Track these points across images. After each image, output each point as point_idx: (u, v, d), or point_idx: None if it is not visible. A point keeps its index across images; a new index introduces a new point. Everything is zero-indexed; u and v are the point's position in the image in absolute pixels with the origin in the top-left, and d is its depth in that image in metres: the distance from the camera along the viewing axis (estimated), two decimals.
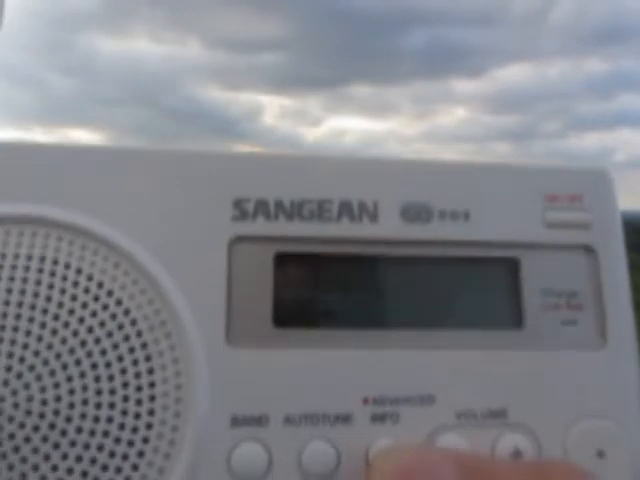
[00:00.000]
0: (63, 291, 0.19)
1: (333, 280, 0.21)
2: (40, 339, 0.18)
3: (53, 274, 0.19)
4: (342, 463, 0.19)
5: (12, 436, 0.17)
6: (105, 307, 0.19)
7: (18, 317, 0.18)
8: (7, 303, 0.18)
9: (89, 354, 0.18)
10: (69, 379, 0.18)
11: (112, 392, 0.18)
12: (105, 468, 0.18)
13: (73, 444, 0.18)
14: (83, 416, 0.18)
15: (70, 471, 0.18)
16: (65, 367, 0.18)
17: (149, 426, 0.18)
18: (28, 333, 0.18)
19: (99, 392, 0.18)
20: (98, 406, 0.18)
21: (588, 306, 0.21)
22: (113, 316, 0.19)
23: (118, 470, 0.18)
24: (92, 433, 0.18)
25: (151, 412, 0.18)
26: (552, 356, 0.21)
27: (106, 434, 0.18)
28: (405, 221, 0.21)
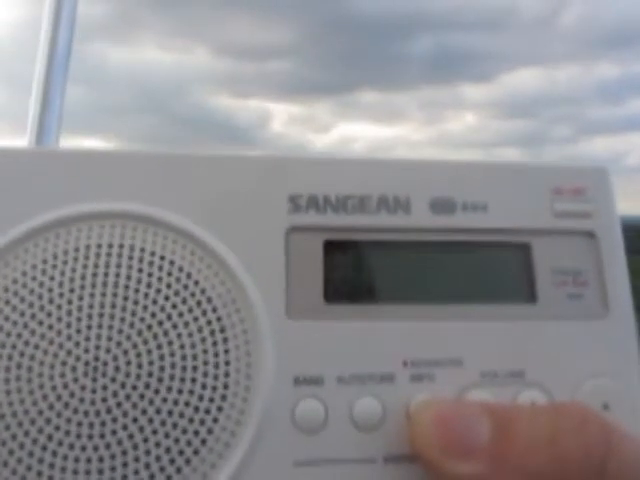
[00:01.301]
0: (150, 274, 0.22)
1: (373, 263, 0.24)
2: (134, 314, 0.22)
3: (141, 260, 0.22)
4: (387, 415, 0.22)
5: (115, 394, 0.21)
6: (185, 287, 0.22)
7: (115, 295, 0.22)
8: (105, 284, 0.22)
9: (174, 326, 0.22)
10: (159, 347, 0.22)
11: (194, 357, 0.22)
12: (191, 420, 0.21)
13: (165, 400, 0.21)
14: (172, 377, 0.21)
15: (163, 423, 0.21)
16: (155, 337, 0.22)
17: (225, 386, 0.22)
18: (124, 309, 0.22)
19: (184, 357, 0.22)
20: (183, 369, 0.21)
21: (592, 282, 0.25)
22: (192, 294, 0.22)
23: (202, 422, 0.21)
24: (180, 391, 0.21)
25: (227, 374, 0.22)
26: (562, 325, 0.24)
27: (191, 392, 0.21)
28: (433, 213, 0.25)
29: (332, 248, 0.24)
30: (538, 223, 0.25)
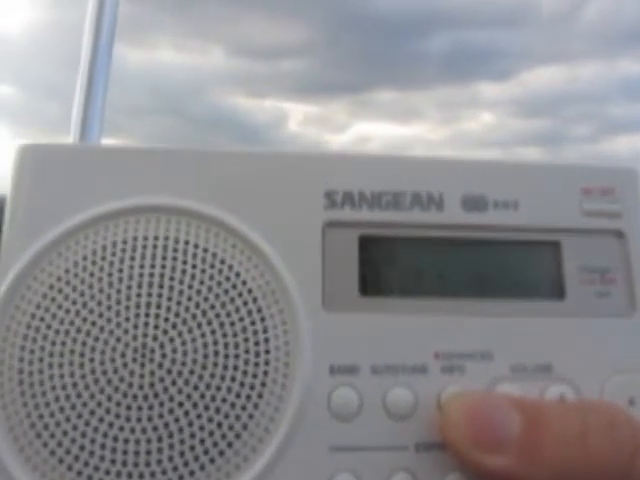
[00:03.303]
0: (194, 266, 0.23)
1: (406, 258, 0.25)
2: (179, 303, 0.23)
3: (185, 253, 0.23)
4: (419, 405, 0.23)
5: (162, 379, 0.22)
6: (227, 278, 0.23)
7: (161, 287, 0.23)
8: (152, 275, 0.23)
9: (217, 315, 0.23)
10: (202, 335, 0.23)
11: (236, 346, 0.23)
12: (233, 406, 0.22)
13: (208, 386, 0.22)
14: (215, 364, 0.22)
15: (207, 408, 0.22)
16: (199, 326, 0.23)
17: (265, 374, 0.23)
18: (169, 299, 0.23)
19: (226, 346, 0.23)
20: (226, 357, 0.23)
21: (619, 280, 0.26)
22: (234, 286, 0.23)
23: (243, 407, 0.22)
24: (222, 378, 0.22)
25: (267, 362, 0.23)
26: (590, 322, 0.25)
27: (233, 379, 0.22)
28: (465, 210, 0.25)
29: (367, 243, 0.25)
30: (567, 222, 0.26)
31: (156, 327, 0.22)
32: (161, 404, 0.22)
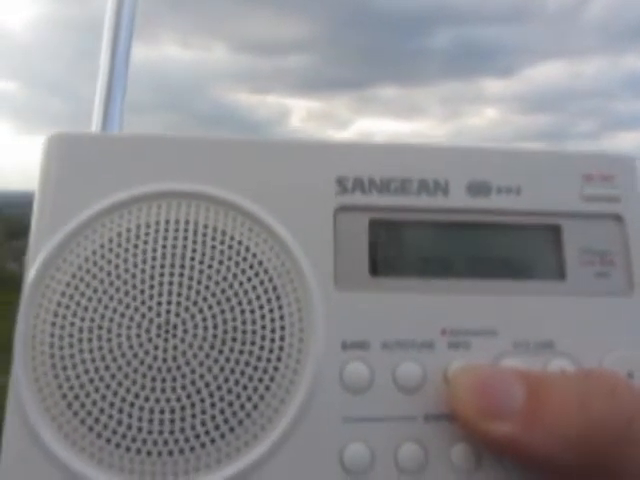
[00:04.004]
0: (213, 247, 0.25)
1: (414, 240, 0.27)
2: (199, 282, 0.24)
3: (205, 235, 0.25)
4: (427, 379, 0.24)
5: (184, 353, 0.23)
6: (245, 259, 0.25)
7: (182, 267, 0.24)
8: (174, 255, 0.24)
9: (236, 294, 0.24)
10: (222, 312, 0.24)
11: (253, 322, 0.24)
12: (251, 378, 0.24)
13: (228, 360, 0.23)
14: (234, 339, 0.24)
15: (227, 380, 0.23)
16: (219, 303, 0.24)
17: (281, 349, 0.24)
18: (190, 278, 0.24)
19: (244, 322, 0.24)
20: (244, 332, 0.24)
21: (618, 262, 0.27)
22: (251, 266, 0.25)
23: (260, 380, 0.24)
24: (241, 352, 0.24)
25: (282, 338, 0.24)
26: (589, 301, 0.26)
27: (251, 353, 0.24)
28: (470, 195, 0.27)
29: (376, 226, 0.26)
30: (568, 206, 0.27)
31: (178, 304, 0.24)
32: (183, 376, 0.23)
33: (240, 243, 0.25)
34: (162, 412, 0.23)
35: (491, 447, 0.23)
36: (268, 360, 0.24)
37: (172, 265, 0.24)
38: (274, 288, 0.25)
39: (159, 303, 0.24)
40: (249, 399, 0.23)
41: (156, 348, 0.23)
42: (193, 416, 0.23)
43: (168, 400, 0.23)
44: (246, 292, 0.24)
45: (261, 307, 0.24)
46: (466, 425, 0.23)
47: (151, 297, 0.24)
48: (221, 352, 0.24)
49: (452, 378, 0.24)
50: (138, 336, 0.23)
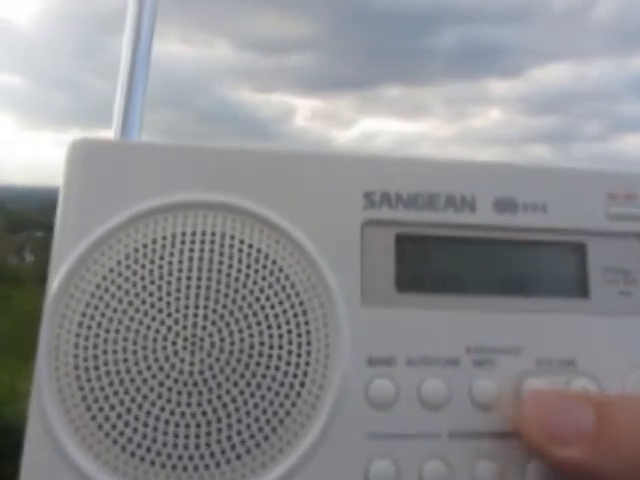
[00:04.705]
0: (240, 260, 0.24)
1: (440, 256, 0.26)
2: (226, 296, 0.24)
3: (232, 247, 0.25)
4: (452, 396, 0.24)
5: (211, 367, 0.23)
6: (271, 272, 0.25)
7: (209, 279, 0.24)
8: (200, 268, 0.24)
9: (262, 307, 0.24)
10: (248, 326, 0.24)
11: (280, 337, 0.24)
12: (277, 393, 0.23)
13: (254, 374, 0.23)
14: (260, 354, 0.24)
15: (252, 395, 0.23)
16: (246, 317, 0.24)
17: (307, 364, 0.24)
18: (217, 291, 0.24)
19: (271, 336, 0.24)
20: (271, 347, 0.24)
21: None
22: (277, 280, 0.25)
23: (286, 395, 0.23)
24: (267, 367, 0.24)
25: (308, 353, 0.24)
26: (612, 320, 0.26)
27: (277, 368, 0.24)
28: (496, 212, 0.27)
29: (403, 241, 0.26)
30: (594, 225, 0.27)
31: (205, 317, 0.24)
32: (210, 390, 0.23)
33: (267, 256, 0.25)
34: (187, 426, 0.23)
35: (559, 469, 0.23)
36: (294, 375, 0.24)
37: (199, 277, 0.24)
38: (301, 303, 0.24)
39: (185, 316, 0.24)
40: (275, 414, 0.23)
41: (182, 361, 0.23)
42: (219, 431, 0.23)
43: (194, 414, 0.23)
44: (273, 306, 0.24)
45: (287, 322, 0.24)
46: (532, 446, 0.23)
47: (177, 310, 0.24)
48: (247, 366, 0.23)
49: (522, 400, 0.24)
50: (164, 349, 0.23)
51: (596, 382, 0.25)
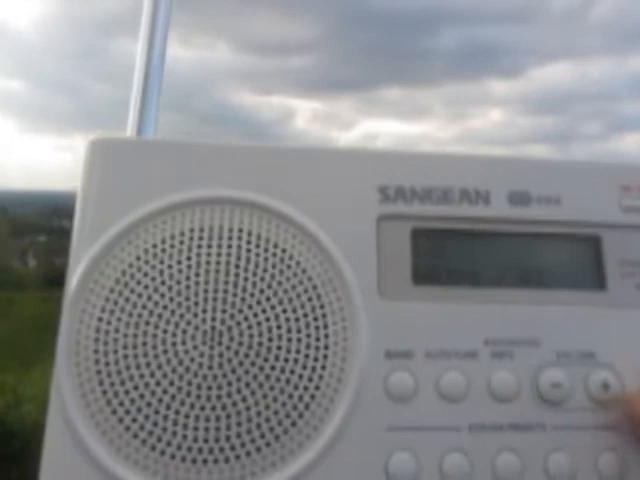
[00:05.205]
0: (257, 254, 0.25)
1: (456, 249, 0.27)
2: (245, 290, 0.24)
3: (249, 242, 0.25)
4: (470, 388, 0.24)
5: (230, 360, 0.23)
6: (289, 267, 0.25)
7: (227, 273, 0.24)
8: (218, 262, 0.24)
9: (280, 301, 0.24)
10: (267, 319, 0.24)
11: (298, 330, 0.24)
12: (296, 387, 0.23)
13: (273, 368, 0.23)
14: (279, 347, 0.24)
15: (272, 388, 0.23)
16: (264, 311, 0.24)
17: (325, 357, 0.24)
18: (235, 285, 0.24)
19: (289, 330, 0.24)
20: (289, 340, 0.24)
21: None
22: (295, 274, 0.25)
23: (305, 388, 0.24)
24: (286, 360, 0.24)
25: (326, 346, 0.24)
26: (630, 312, 0.26)
27: (296, 361, 0.24)
28: (511, 205, 0.27)
29: (419, 235, 0.26)
30: (608, 217, 0.27)
31: (224, 311, 0.24)
32: (229, 384, 0.23)
33: (284, 251, 0.25)
34: (207, 420, 0.23)
35: None
36: (313, 368, 0.24)
37: (217, 272, 0.24)
38: (318, 296, 0.25)
39: (204, 310, 0.24)
40: (294, 407, 0.23)
41: (202, 355, 0.23)
42: (239, 424, 0.23)
43: (214, 408, 0.23)
44: (291, 300, 0.24)
45: (305, 315, 0.24)
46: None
47: (196, 304, 0.24)
48: (266, 360, 0.23)
49: (622, 405, 0.25)
50: (183, 343, 0.23)
51: (615, 374, 0.25)
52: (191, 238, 0.25)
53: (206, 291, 0.24)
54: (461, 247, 0.26)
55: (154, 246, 0.25)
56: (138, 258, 0.24)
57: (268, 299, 0.24)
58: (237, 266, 0.24)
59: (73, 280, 0.24)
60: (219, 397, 0.23)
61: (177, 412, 0.23)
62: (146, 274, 0.24)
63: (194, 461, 0.23)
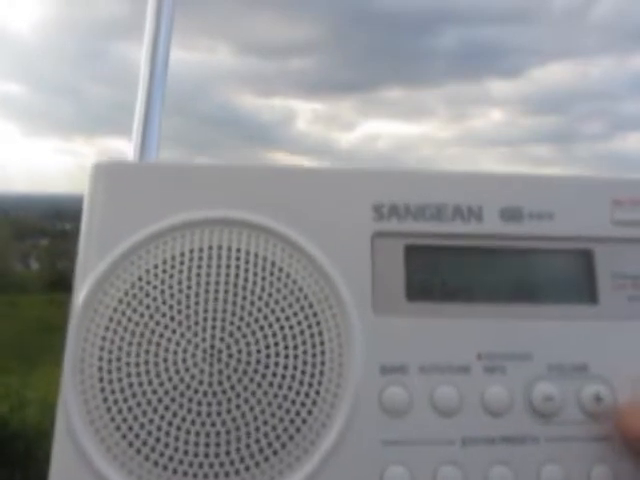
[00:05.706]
0: (255, 273, 0.25)
1: (449, 266, 0.27)
2: (243, 308, 0.25)
3: (247, 261, 0.25)
4: (463, 402, 0.25)
5: (229, 377, 0.24)
6: (286, 285, 0.25)
7: (226, 292, 0.25)
8: (217, 282, 0.25)
9: (277, 319, 0.25)
10: (265, 337, 0.25)
11: (295, 347, 0.25)
12: (293, 402, 0.24)
13: (271, 384, 0.24)
14: (276, 364, 0.24)
15: (270, 404, 0.24)
16: (262, 328, 0.25)
17: (321, 373, 0.25)
18: (234, 303, 0.25)
19: (286, 347, 0.25)
20: (286, 357, 0.24)
21: None
22: (291, 292, 0.25)
23: (302, 404, 0.24)
24: (283, 376, 0.24)
25: (322, 362, 0.25)
26: (622, 324, 0.27)
27: (293, 378, 0.24)
28: (503, 221, 0.27)
29: (412, 252, 0.27)
30: (600, 231, 0.28)
31: (223, 330, 0.24)
32: (228, 400, 0.24)
33: (281, 270, 0.26)
34: (208, 435, 0.24)
35: None
36: (310, 384, 0.24)
37: (216, 291, 0.25)
38: (314, 314, 0.25)
39: (204, 329, 0.24)
40: (292, 422, 0.24)
41: (202, 372, 0.24)
42: (238, 439, 0.24)
43: (214, 424, 0.24)
44: (288, 318, 0.25)
45: (302, 332, 0.25)
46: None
47: (196, 322, 0.24)
48: (264, 377, 0.24)
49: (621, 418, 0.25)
50: (184, 361, 0.24)
51: (608, 387, 0.26)
52: (191, 259, 0.25)
53: (206, 310, 0.25)
54: (454, 263, 0.27)
55: (155, 267, 0.25)
56: (140, 278, 0.25)
57: (266, 317, 0.25)
58: (235, 285, 0.25)
59: (79, 299, 0.25)
60: (219, 413, 0.24)
61: (178, 428, 0.24)
62: (148, 294, 0.25)
63: (195, 476, 0.23)
